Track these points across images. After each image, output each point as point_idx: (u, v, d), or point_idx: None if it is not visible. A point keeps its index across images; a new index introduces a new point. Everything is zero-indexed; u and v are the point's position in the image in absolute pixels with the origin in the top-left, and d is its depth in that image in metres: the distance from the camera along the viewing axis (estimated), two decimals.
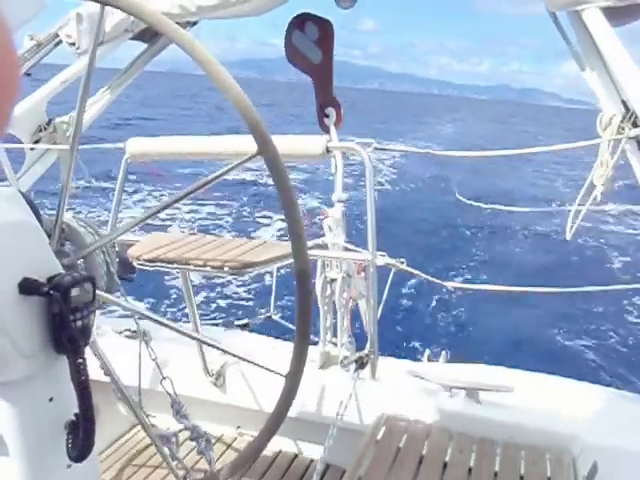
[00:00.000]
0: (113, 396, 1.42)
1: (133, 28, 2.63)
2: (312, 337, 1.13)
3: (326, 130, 2.58)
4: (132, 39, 2.73)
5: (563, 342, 8.12)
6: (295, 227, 1.03)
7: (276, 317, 3.45)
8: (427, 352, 3.18)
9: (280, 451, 2.77)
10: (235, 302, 8.51)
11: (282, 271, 3.10)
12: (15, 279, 0.79)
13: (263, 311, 3.55)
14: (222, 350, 1.27)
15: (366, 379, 2.53)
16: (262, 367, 1.12)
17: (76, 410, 0.86)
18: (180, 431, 1.80)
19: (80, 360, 0.84)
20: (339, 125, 2.58)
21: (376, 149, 2.42)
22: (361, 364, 2.48)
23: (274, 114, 42.27)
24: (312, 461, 2.70)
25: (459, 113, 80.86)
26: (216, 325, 3.43)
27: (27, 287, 0.79)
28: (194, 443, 1.86)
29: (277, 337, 3.02)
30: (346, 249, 2.50)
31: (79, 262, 1.16)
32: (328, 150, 2.31)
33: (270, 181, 0.99)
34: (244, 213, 14.03)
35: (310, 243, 2.39)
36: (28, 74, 2.65)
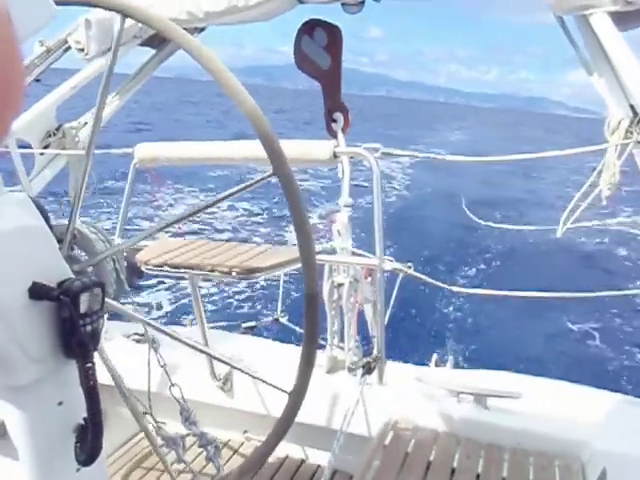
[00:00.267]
0: (121, 400, 1.43)
1: (142, 34, 2.65)
2: (319, 341, 1.13)
3: (334, 135, 2.59)
4: (141, 45, 2.75)
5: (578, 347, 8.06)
6: (306, 251, 1.02)
7: (283, 320, 3.45)
8: (434, 357, 3.17)
9: (287, 456, 2.76)
10: (242, 303, 8.52)
11: (289, 274, 3.10)
12: (25, 284, 0.79)
13: (270, 313, 3.56)
14: (230, 365, 1.25)
15: (373, 384, 2.52)
16: (268, 383, 1.11)
17: (84, 414, 0.86)
18: (187, 435, 1.80)
19: (89, 365, 0.84)
20: (347, 130, 2.59)
21: (383, 154, 2.42)
22: (368, 369, 2.47)
23: (284, 120, 42.35)
24: (319, 467, 2.70)
25: (466, 121, 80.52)
26: (223, 327, 3.42)
27: (37, 292, 0.79)
28: (202, 448, 1.86)
29: (282, 338, 3.02)
30: (354, 254, 2.49)
31: (89, 269, 1.16)
32: (335, 155, 2.31)
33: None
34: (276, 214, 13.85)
35: (318, 247, 2.39)
36: (38, 80, 2.67)
